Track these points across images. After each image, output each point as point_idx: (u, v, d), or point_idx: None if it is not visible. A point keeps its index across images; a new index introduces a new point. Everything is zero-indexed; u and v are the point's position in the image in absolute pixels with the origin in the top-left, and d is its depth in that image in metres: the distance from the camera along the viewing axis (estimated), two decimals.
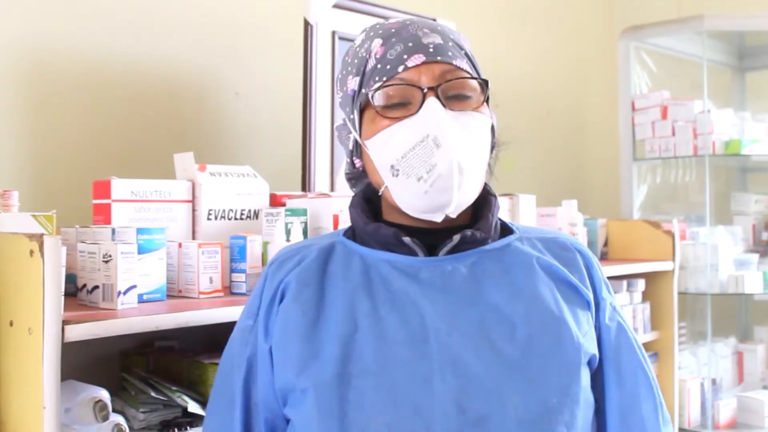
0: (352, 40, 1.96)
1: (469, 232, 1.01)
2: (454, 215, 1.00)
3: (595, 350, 1.01)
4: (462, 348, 0.94)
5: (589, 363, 1.01)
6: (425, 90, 0.98)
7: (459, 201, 0.98)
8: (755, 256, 2.86)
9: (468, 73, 1.01)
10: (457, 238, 1.00)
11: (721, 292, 2.77)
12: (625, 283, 2.36)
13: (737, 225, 3.01)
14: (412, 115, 0.98)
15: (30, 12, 1.74)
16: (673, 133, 2.91)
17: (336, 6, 1.95)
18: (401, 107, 0.99)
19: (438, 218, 0.99)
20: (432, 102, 0.97)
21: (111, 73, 1.87)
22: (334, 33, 1.96)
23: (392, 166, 0.98)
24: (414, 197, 0.99)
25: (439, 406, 0.91)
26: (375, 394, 0.92)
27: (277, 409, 1.00)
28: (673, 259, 2.45)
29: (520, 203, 2.14)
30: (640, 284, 2.41)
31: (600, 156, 3.40)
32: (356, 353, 0.94)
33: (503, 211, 2.09)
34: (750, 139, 2.84)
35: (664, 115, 2.93)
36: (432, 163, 0.96)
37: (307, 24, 1.89)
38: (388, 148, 0.99)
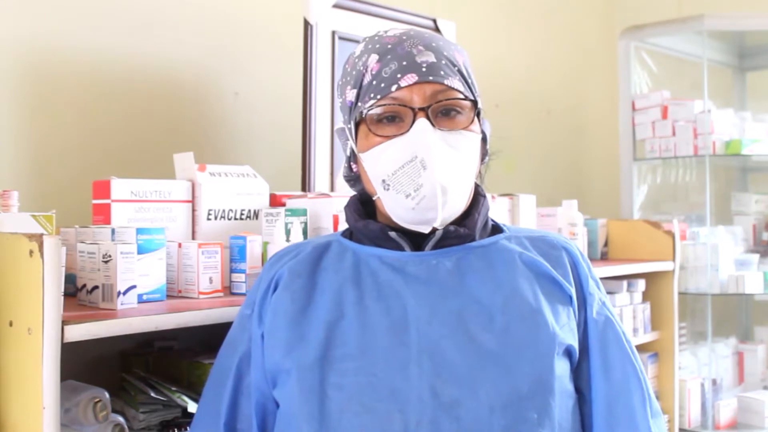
0: (352, 40, 1.98)
1: (452, 228, 1.06)
2: (440, 227, 1.05)
3: (572, 341, 1.04)
4: (440, 336, 0.99)
5: (570, 355, 1.04)
6: (416, 110, 1.03)
7: (444, 217, 1.04)
8: (755, 256, 2.86)
9: (459, 92, 1.05)
10: (439, 233, 1.06)
11: (721, 293, 2.77)
12: (625, 283, 2.36)
13: (737, 225, 3.00)
14: (402, 134, 1.03)
15: (30, 12, 1.73)
16: (674, 133, 2.91)
17: (336, 6, 1.95)
18: (393, 125, 1.04)
19: (425, 230, 1.05)
20: (422, 123, 1.02)
21: (111, 73, 1.87)
22: (334, 33, 1.96)
23: (383, 181, 1.04)
24: (402, 211, 1.04)
25: (415, 389, 0.96)
26: (355, 376, 0.98)
27: (267, 392, 1.06)
28: (674, 259, 2.44)
29: (520, 203, 2.14)
30: (641, 284, 2.41)
31: (600, 156, 3.40)
32: (340, 338, 1.01)
33: (503, 211, 2.09)
34: (750, 139, 2.84)
35: (665, 115, 2.93)
36: (419, 183, 1.02)
37: (307, 24, 1.89)
38: (380, 164, 1.05)
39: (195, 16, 2.04)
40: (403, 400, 0.95)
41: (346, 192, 1.88)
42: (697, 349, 2.84)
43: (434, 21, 2.16)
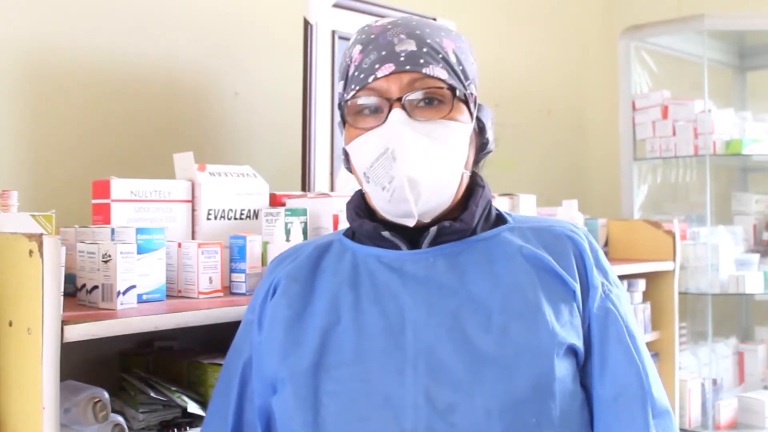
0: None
1: (447, 224, 1.03)
2: (426, 220, 1.02)
3: (575, 340, 0.99)
4: (436, 338, 0.96)
5: (575, 354, 1.00)
6: (392, 101, 1.00)
7: (422, 210, 1.01)
8: (756, 256, 2.86)
9: (439, 79, 1.01)
10: (434, 230, 1.03)
11: (721, 292, 2.77)
12: (625, 283, 2.36)
13: (738, 225, 3.00)
14: (379, 125, 1.01)
15: (29, 12, 1.73)
16: (674, 133, 2.90)
17: (336, 5, 1.95)
18: (374, 116, 1.02)
19: (410, 223, 1.02)
20: (396, 114, 1.00)
21: (110, 72, 1.87)
22: (334, 32, 1.96)
23: (365, 173, 1.03)
24: (382, 203, 1.02)
25: (410, 396, 0.94)
26: (350, 384, 0.96)
27: (269, 398, 1.05)
28: (674, 259, 2.44)
29: (520, 203, 2.14)
30: (641, 284, 2.41)
31: (600, 156, 3.40)
32: (335, 344, 0.98)
33: (503, 209, 2.09)
34: (751, 138, 2.84)
35: (665, 115, 2.93)
36: (391, 175, 0.99)
37: (307, 24, 1.89)
38: (360, 156, 1.03)
39: (195, 16, 2.04)
40: (398, 406, 0.93)
41: (345, 192, 1.89)
42: (698, 349, 2.84)
43: (434, 21, 2.16)
